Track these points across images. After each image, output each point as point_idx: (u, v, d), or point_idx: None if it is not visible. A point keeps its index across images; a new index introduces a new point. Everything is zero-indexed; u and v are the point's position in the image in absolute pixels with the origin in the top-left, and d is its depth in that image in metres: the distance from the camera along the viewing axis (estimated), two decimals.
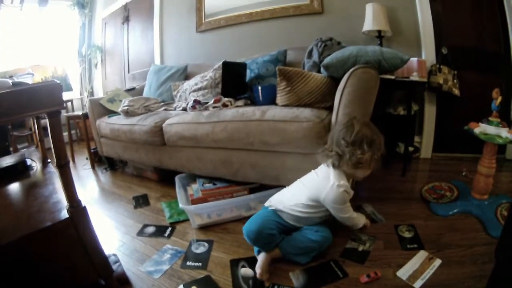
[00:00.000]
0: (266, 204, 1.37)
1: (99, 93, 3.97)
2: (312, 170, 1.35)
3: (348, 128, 1.21)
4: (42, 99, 0.85)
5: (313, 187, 1.27)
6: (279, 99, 1.71)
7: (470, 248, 1.21)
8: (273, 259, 1.23)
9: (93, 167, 2.84)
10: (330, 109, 1.56)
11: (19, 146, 3.48)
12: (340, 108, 1.42)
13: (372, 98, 1.47)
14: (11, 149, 3.08)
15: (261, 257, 1.22)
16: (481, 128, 1.43)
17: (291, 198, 1.30)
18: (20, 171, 1.53)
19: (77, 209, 0.95)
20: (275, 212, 1.32)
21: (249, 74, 2.20)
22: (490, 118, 1.43)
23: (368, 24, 2.20)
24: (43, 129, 1.45)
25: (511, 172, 1.88)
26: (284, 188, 1.40)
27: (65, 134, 3.86)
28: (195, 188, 1.76)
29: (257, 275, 1.16)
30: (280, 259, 1.24)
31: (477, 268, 1.09)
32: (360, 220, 1.39)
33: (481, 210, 1.43)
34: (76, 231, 0.96)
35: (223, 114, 1.72)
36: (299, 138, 1.45)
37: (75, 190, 0.96)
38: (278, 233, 1.26)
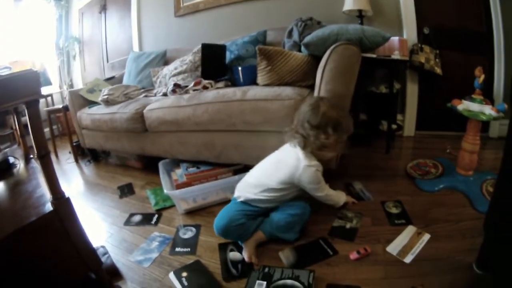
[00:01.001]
0: (235, 194, 1.35)
1: (78, 85, 3.86)
2: (276, 151, 1.34)
3: (313, 110, 1.18)
4: (18, 89, 0.81)
5: (284, 171, 1.23)
6: (260, 78, 1.69)
7: (458, 223, 1.23)
8: (259, 243, 1.22)
9: (76, 161, 2.78)
10: (311, 87, 1.56)
11: (1, 146, 3.38)
12: (322, 85, 1.41)
13: (354, 75, 1.46)
14: None
15: (245, 244, 1.21)
16: (464, 105, 1.44)
17: (259, 185, 1.27)
18: (3, 170, 1.47)
19: (60, 201, 0.93)
20: (244, 202, 1.30)
21: (229, 56, 2.17)
22: (473, 96, 1.44)
23: (349, 4, 2.18)
24: (24, 126, 1.42)
25: (495, 150, 1.91)
26: (247, 174, 1.37)
27: (47, 130, 3.77)
28: (179, 173, 1.74)
29: (246, 260, 1.16)
30: (268, 241, 1.23)
31: (466, 242, 1.10)
32: (340, 197, 1.39)
33: (466, 186, 1.44)
34: (61, 223, 0.93)
35: (203, 96, 1.70)
36: (281, 116, 1.44)
37: (58, 181, 0.93)
38: (250, 219, 1.25)
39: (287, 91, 1.48)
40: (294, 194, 1.28)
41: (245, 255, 1.17)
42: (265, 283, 1.02)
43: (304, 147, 1.21)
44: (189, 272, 1.15)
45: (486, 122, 1.78)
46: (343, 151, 1.25)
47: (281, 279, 1.02)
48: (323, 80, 1.41)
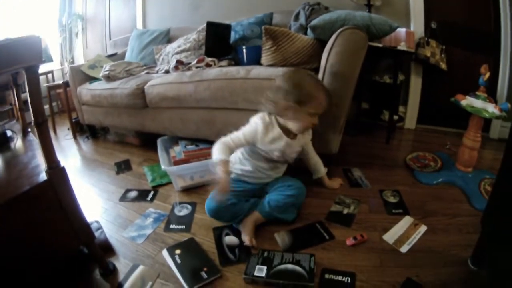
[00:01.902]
0: None
1: (80, 62, 3.77)
2: None
3: (287, 79, 1.16)
4: (20, 54, 0.79)
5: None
6: (264, 59, 1.67)
7: (455, 217, 1.22)
8: (257, 224, 1.20)
9: (74, 137, 2.76)
10: (315, 70, 1.54)
11: (0, 122, 3.35)
12: (327, 67, 1.39)
13: (360, 60, 1.44)
14: None
15: (243, 226, 1.18)
16: (467, 101, 1.43)
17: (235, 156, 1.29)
18: (1, 143, 1.44)
19: (55, 170, 0.91)
20: (236, 179, 1.29)
21: (233, 36, 2.15)
22: (477, 93, 1.43)
23: None
24: (24, 102, 1.40)
25: (494, 151, 1.90)
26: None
27: (46, 107, 3.74)
28: (177, 150, 1.73)
29: (247, 243, 1.12)
30: (265, 222, 1.22)
31: (462, 237, 1.10)
32: (214, 157, 1.16)
33: (465, 182, 1.44)
34: (55, 193, 0.91)
35: (206, 73, 1.68)
36: None
37: (53, 150, 0.91)
38: (242, 200, 1.24)
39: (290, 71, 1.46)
40: (269, 165, 1.27)
41: (245, 238, 1.14)
42: (265, 268, 1.00)
43: (269, 113, 1.19)
44: (182, 250, 1.14)
45: (487, 123, 1.78)
46: (310, 126, 1.20)
47: (281, 263, 1.01)
48: (328, 62, 1.39)
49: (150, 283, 1.01)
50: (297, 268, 0.98)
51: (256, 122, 1.18)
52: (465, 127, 1.50)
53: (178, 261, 1.08)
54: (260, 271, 0.98)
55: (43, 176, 0.92)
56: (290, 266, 0.99)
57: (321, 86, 1.19)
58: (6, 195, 0.85)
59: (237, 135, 1.18)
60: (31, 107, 0.85)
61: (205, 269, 1.03)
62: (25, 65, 0.81)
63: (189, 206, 1.42)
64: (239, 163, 1.30)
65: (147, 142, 2.25)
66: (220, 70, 1.65)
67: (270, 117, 1.19)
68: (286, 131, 1.19)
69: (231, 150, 1.17)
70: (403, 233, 1.14)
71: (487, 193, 1.34)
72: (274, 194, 1.23)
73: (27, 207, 0.88)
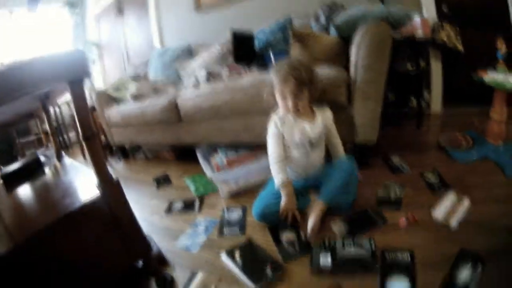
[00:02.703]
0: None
1: (101, 88, 3.94)
2: None
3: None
4: (66, 68, 0.79)
5: None
6: None
7: (492, 189, 1.24)
8: (320, 215, 1.20)
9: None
10: (343, 67, 1.58)
11: (27, 153, 3.41)
12: (358, 61, 1.44)
13: (387, 50, 1.48)
14: (19, 158, 3.03)
15: (310, 217, 1.19)
16: (490, 77, 1.46)
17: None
18: (35, 169, 1.45)
19: (109, 184, 0.88)
20: None
21: (257, 43, 2.20)
22: (497, 66, 1.47)
23: None
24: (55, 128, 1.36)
25: None
26: None
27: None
28: (218, 158, 1.77)
29: (309, 232, 1.15)
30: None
31: (503, 206, 1.12)
32: (276, 178, 1.28)
33: (497, 155, 1.46)
34: (109, 208, 0.88)
35: (240, 81, 1.73)
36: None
37: (105, 164, 0.89)
38: None
39: (324, 69, 1.51)
40: (300, 153, 1.31)
41: (309, 226, 1.16)
42: (329, 255, 1.00)
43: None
44: (241, 251, 1.10)
45: (510, 96, 1.80)
46: (288, 109, 1.25)
47: (344, 249, 1.01)
48: (359, 57, 1.43)
49: (213, 287, 0.99)
50: (360, 251, 1.00)
51: (273, 118, 1.29)
52: (488, 104, 1.55)
53: (239, 262, 1.05)
54: (325, 259, 0.99)
55: (94, 192, 0.89)
56: (353, 250, 1.01)
57: (284, 69, 1.21)
58: (55, 214, 0.83)
59: (270, 146, 1.29)
60: (79, 122, 0.83)
61: (268, 265, 1.01)
62: (70, 79, 0.80)
63: (240, 210, 1.40)
64: None
65: (182, 155, 2.28)
66: (254, 78, 1.70)
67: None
68: (302, 116, 1.28)
69: (282, 160, 1.27)
70: (449, 209, 1.16)
71: None
72: (329, 181, 1.25)
73: (79, 226, 0.84)
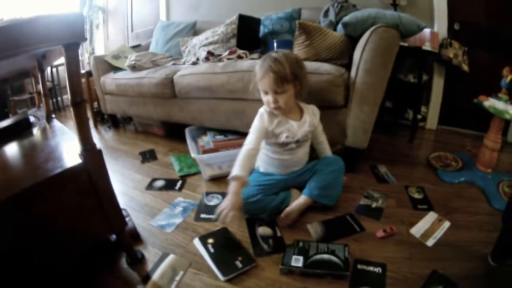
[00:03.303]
0: (256, 163, 1.37)
1: (100, 54, 3.87)
2: None
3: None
4: (61, 30, 0.76)
5: None
6: (297, 53, 1.69)
7: (475, 216, 1.25)
8: (302, 209, 1.22)
9: (95, 126, 2.81)
10: (346, 67, 1.56)
11: (19, 111, 3.37)
12: (361, 64, 1.41)
13: (392, 58, 1.46)
14: (10, 116, 2.98)
15: (289, 209, 1.20)
16: (490, 102, 1.46)
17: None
18: (23, 129, 1.40)
19: (91, 152, 0.86)
20: (263, 173, 1.32)
21: (262, 30, 2.17)
22: (500, 95, 1.45)
23: None
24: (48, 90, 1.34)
25: (511, 154, 1.91)
26: None
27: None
28: (206, 140, 1.75)
29: (282, 215, 1.17)
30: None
31: (483, 234, 1.12)
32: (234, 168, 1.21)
33: (484, 182, 1.46)
34: (89, 178, 0.86)
35: (239, 64, 1.70)
36: (316, 90, 1.44)
37: (90, 132, 0.86)
38: (269, 194, 1.25)
39: (325, 66, 1.48)
40: (287, 149, 1.30)
41: (286, 210, 1.18)
42: (301, 258, 1.00)
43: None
44: (215, 239, 1.11)
45: (505, 126, 1.80)
46: (270, 106, 1.22)
47: (317, 253, 1.01)
48: (362, 59, 1.41)
49: (181, 272, 0.98)
50: (333, 258, 0.99)
51: (261, 112, 1.26)
52: (484, 130, 1.53)
53: (211, 250, 1.06)
54: (297, 261, 0.99)
55: (76, 159, 0.87)
56: (326, 256, 1.00)
57: (266, 62, 1.17)
58: (35, 177, 0.81)
59: (250, 136, 1.23)
60: (69, 86, 0.81)
61: (239, 258, 1.01)
62: (65, 42, 0.77)
63: (220, 196, 1.41)
64: (259, 156, 1.32)
65: (172, 132, 2.27)
66: (253, 62, 1.66)
67: None
68: (288, 114, 1.26)
69: (253, 155, 1.22)
70: (428, 227, 1.17)
71: (505, 194, 1.36)
72: (316, 176, 1.27)
73: (58, 191, 0.83)
